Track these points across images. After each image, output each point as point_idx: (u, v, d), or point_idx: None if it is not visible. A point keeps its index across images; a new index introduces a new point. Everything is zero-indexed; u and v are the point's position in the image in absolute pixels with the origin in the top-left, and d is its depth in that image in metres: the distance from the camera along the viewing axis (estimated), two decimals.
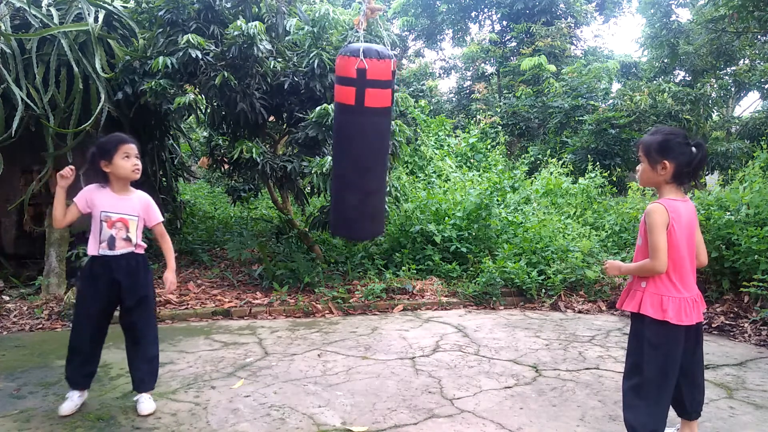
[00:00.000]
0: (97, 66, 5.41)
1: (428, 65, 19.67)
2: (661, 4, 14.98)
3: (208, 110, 6.17)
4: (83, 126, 5.24)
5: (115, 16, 6.04)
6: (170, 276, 3.06)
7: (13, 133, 4.97)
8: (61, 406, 2.90)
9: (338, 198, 3.17)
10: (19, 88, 5.07)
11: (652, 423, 2.36)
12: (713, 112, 14.91)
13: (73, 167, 2.82)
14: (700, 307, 2.40)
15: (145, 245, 3.03)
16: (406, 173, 8.87)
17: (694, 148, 2.31)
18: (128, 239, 2.90)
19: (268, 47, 5.36)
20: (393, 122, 5.80)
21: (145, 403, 2.96)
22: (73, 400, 2.93)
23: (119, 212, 2.89)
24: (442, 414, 3.00)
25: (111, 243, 2.87)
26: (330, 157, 5.19)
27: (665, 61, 15.33)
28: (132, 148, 2.88)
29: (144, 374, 2.99)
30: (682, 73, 16.14)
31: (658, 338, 2.33)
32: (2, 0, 5.38)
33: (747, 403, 3.14)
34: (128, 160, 2.86)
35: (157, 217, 3.03)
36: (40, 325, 4.69)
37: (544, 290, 5.85)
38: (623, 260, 6.39)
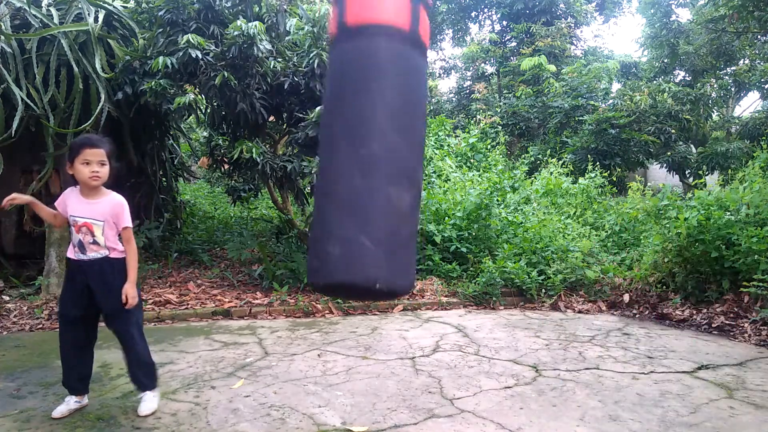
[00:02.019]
0: (97, 66, 5.41)
1: (428, 65, 19.64)
2: (661, 4, 14.98)
3: (208, 110, 6.17)
4: (83, 126, 5.24)
5: (115, 16, 6.03)
6: (129, 289, 2.82)
7: (13, 133, 4.97)
8: (55, 409, 2.91)
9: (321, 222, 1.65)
10: (19, 88, 5.07)
11: None
12: (713, 112, 14.92)
13: (13, 197, 2.76)
14: None
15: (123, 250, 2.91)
16: None
17: None
18: (96, 243, 2.80)
19: (268, 47, 5.36)
20: None
21: (146, 403, 2.95)
22: (68, 404, 2.92)
23: (84, 216, 2.80)
24: (442, 414, 3.00)
25: (81, 247, 2.81)
26: None
27: (665, 61, 15.34)
28: (95, 153, 2.73)
29: (140, 378, 2.98)
30: (682, 73, 16.14)
31: None
32: (2, 0, 5.38)
33: (747, 403, 3.14)
34: (87, 167, 2.72)
35: (123, 221, 2.86)
36: (40, 325, 4.69)
37: (544, 290, 5.84)
38: (623, 260, 6.39)
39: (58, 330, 2.97)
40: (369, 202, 1.58)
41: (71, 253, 2.85)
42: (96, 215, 2.80)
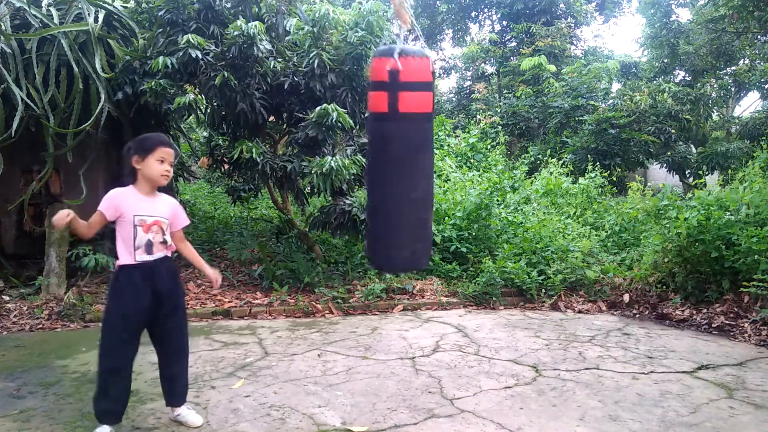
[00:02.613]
0: (97, 66, 5.41)
1: None
2: (661, 4, 14.98)
3: (208, 110, 6.17)
4: (83, 126, 5.24)
5: (115, 16, 6.04)
6: (210, 271, 2.93)
7: (13, 133, 4.97)
8: None
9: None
10: (19, 88, 5.07)
11: None
12: (713, 112, 14.92)
13: (70, 212, 2.57)
14: None
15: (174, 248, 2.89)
16: None
17: None
18: (165, 242, 2.75)
19: (268, 47, 5.36)
20: None
21: (190, 415, 2.84)
22: None
23: (153, 215, 2.71)
24: (442, 414, 3.00)
25: (149, 248, 2.68)
26: (330, 157, 5.19)
27: (665, 61, 15.33)
28: (170, 153, 2.74)
29: (183, 386, 2.87)
30: (682, 73, 16.13)
31: None
32: (2, 0, 5.38)
33: (747, 403, 3.14)
34: (161, 165, 2.70)
35: (183, 220, 2.88)
36: (40, 325, 4.69)
37: (544, 290, 5.84)
38: (623, 260, 6.39)
39: (102, 349, 2.66)
40: (420, 225, 2.74)
41: (130, 257, 2.65)
42: (164, 213, 2.75)
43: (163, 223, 2.75)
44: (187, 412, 2.84)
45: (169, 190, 7.72)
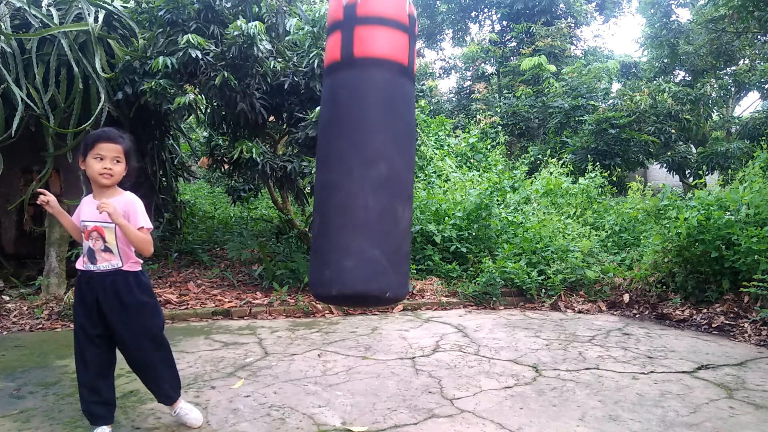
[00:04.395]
0: (97, 66, 5.41)
1: (428, 65, 19.66)
2: (661, 4, 14.98)
3: (208, 110, 6.17)
4: (83, 126, 5.24)
5: (115, 16, 6.03)
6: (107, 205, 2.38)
7: (13, 133, 4.97)
8: None
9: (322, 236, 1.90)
10: (19, 88, 5.07)
11: None
12: (713, 112, 14.92)
13: (46, 192, 2.49)
14: None
15: (141, 261, 2.58)
16: None
17: None
18: (108, 250, 2.46)
19: (268, 47, 5.36)
20: None
21: (190, 413, 2.75)
22: None
23: (94, 220, 2.47)
24: (442, 414, 3.00)
25: (91, 256, 2.47)
26: None
27: (665, 61, 15.33)
28: (109, 148, 2.43)
29: (165, 389, 2.71)
30: (682, 73, 16.13)
31: None
32: (2, 0, 5.38)
33: (747, 403, 3.14)
34: (99, 162, 2.43)
35: (137, 221, 2.47)
36: (40, 325, 4.69)
37: (544, 290, 5.85)
38: (623, 260, 6.39)
39: (72, 331, 2.59)
40: (381, 219, 1.78)
41: (80, 263, 2.51)
42: (107, 217, 2.40)
43: (104, 229, 2.46)
44: (186, 411, 2.76)
45: (170, 190, 7.68)
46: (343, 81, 1.85)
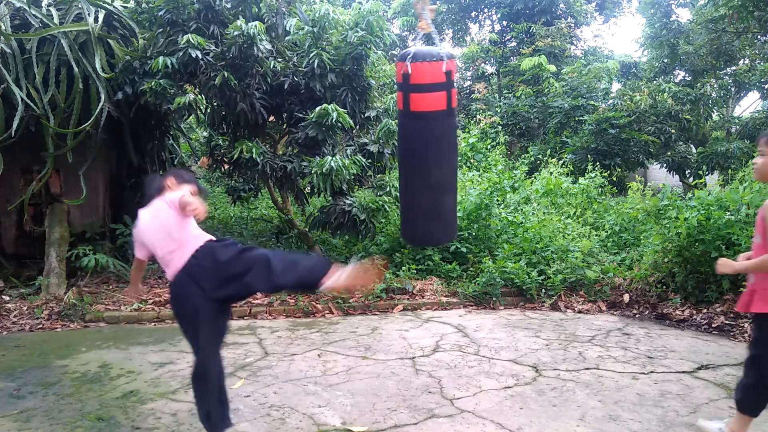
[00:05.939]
0: (97, 66, 5.41)
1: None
2: (661, 4, 14.97)
3: (208, 110, 6.17)
4: (83, 126, 5.24)
5: (115, 16, 6.04)
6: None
7: (13, 133, 4.97)
8: None
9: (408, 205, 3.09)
10: (19, 88, 5.07)
11: None
12: (713, 112, 14.91)
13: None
14: None
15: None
16: None
17: None
18: None
19: (268, 47, 5.36)
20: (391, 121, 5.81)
21: None
22: None
23: None
24: (442, 414, 3.00)
25: None
26: (329, 157, 5.20)
27: (665, 61, 15.32)
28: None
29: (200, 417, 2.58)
30: (682, 73, 16.12)
31: None
32: (2, 0, 5.38)
33: None
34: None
35: None
36: (40, 325, 4.69)
37: (544, 290, 5.84)
38: (623, 260, 6.39)
39: (207, 360, 2.50)
40: (437, 206, 2.94)
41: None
42: None
43: None
44: None
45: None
46: (407, 123, 2.92)
